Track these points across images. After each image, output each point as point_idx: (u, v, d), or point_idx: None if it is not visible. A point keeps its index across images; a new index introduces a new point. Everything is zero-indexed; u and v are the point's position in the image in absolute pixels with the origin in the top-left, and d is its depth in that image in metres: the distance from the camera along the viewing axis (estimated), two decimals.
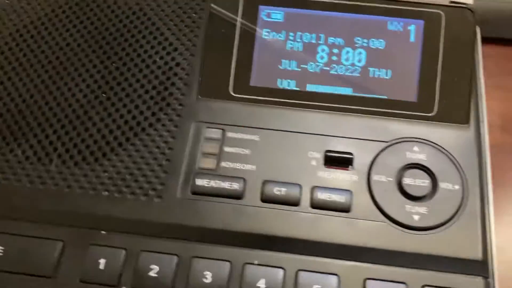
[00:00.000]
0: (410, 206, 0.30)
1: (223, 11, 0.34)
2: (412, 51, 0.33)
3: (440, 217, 0.29)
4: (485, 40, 0.50)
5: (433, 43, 0.33)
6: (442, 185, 0.30)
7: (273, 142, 0.32)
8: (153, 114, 0.32)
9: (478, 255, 0.29)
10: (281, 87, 0.33)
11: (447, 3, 0.34)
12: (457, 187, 0.30)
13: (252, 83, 0.33)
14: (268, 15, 0.34)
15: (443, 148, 0.31)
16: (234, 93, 0.33)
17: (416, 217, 0.29)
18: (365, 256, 0.29)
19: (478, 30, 0.34)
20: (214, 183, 0.30)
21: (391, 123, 0.32)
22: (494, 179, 0.42)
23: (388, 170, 0.31)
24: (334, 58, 0.33)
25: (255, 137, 0.32)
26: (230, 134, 0.32)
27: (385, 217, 0.29)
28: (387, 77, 0.33)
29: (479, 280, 0.28)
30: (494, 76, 0.49)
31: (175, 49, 0.34)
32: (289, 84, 0.33)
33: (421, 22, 0.33)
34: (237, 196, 0.30)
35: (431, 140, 0.31)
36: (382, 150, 0.31)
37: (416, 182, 0.30)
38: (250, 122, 0.32)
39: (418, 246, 0.29)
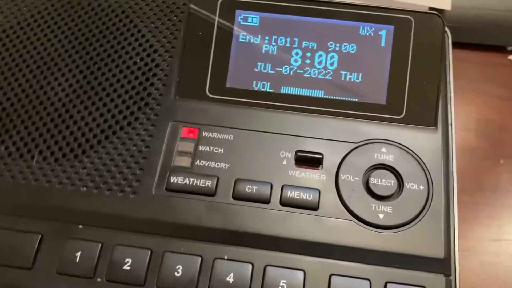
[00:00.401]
0: (375, 205, 0.30)
1: (201, 15, 0.35)
2: (382, 55, 0.34)
3: (404, 216, 0.30)
4: (470, 47, 0.51)
5: (402, 48, 0.34)
6: (408, 185, 0.31)
7: (246, 142, 0.33)
8: (132, 113, 0.33)
9: (440, 253, 0.30)
10: (256, 89, 0.34)
11: (425, 10, 0.35)
12: (422, 187, 0.31)
13: (228, 84, 0.34)
14: (245, 19, 0.35)
15: (410, 149, 0.32)
16: (211, 94, 0.34)
17: (381, 216, 0.30)
18: (331, 252, 0.30)
19: (449, 35, 0.35)
20: (188, 181, 0.31)
21: (360, 125, 0.33)
22: (469, 183, 0.43)
23: (355, 170, 0.31)
24: (308, 61, 0.34)
25: (229, 137, 0.33)
26: (205, 134, 0.33)
27: (351, 215, 0.30)
28: (358, 80, 0.34)
29: (440, 278, 0.29)
30: (475, 81, 0.50)
31: (155, 51, 0.35)
32: (264, 86, 0.34)
33: (391, 28, 0.34)
34: (209, 193, 0.31)
35: (399, 142, 0.32)
36: (351, 151, 0.32)
37: (382, 182, 0.31)
38: (225, 122, 0.33)
39: (383, 244, 0.30)
